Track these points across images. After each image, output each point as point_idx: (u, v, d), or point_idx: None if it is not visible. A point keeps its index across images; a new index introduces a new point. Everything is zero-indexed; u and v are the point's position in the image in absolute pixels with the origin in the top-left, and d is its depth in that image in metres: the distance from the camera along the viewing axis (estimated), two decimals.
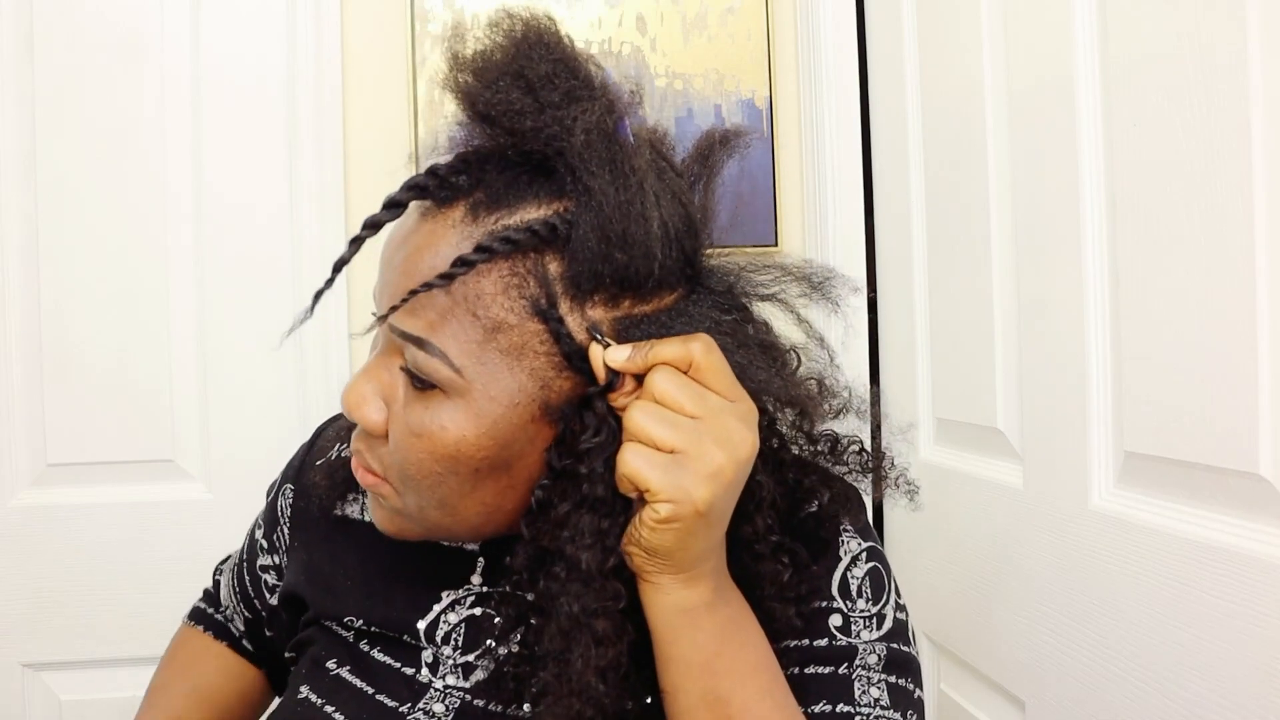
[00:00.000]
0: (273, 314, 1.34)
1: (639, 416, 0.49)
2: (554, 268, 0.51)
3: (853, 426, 0.63)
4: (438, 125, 1.37)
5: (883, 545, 0.66)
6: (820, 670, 0.58)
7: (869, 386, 0.63)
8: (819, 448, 0.62)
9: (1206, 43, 0.70)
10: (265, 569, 0.79)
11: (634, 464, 0.49)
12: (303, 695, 0.64)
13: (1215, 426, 0.71)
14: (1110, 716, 0.83)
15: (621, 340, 0.52)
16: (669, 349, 0.50)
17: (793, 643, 0.58)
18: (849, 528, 0.63)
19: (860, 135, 1.41)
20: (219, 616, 0.85)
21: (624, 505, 0.51)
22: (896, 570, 0.66)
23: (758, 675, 0.53)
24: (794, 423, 0.61)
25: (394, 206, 0.52)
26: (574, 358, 0.51)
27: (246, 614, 0.82)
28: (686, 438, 0.48)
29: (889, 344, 1.38)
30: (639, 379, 0.51)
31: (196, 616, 0.87)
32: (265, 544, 0.79)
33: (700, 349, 0.50)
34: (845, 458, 0.63)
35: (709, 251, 0.57)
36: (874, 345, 1.43)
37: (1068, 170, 0.88)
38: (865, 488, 0.64)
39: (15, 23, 1.29)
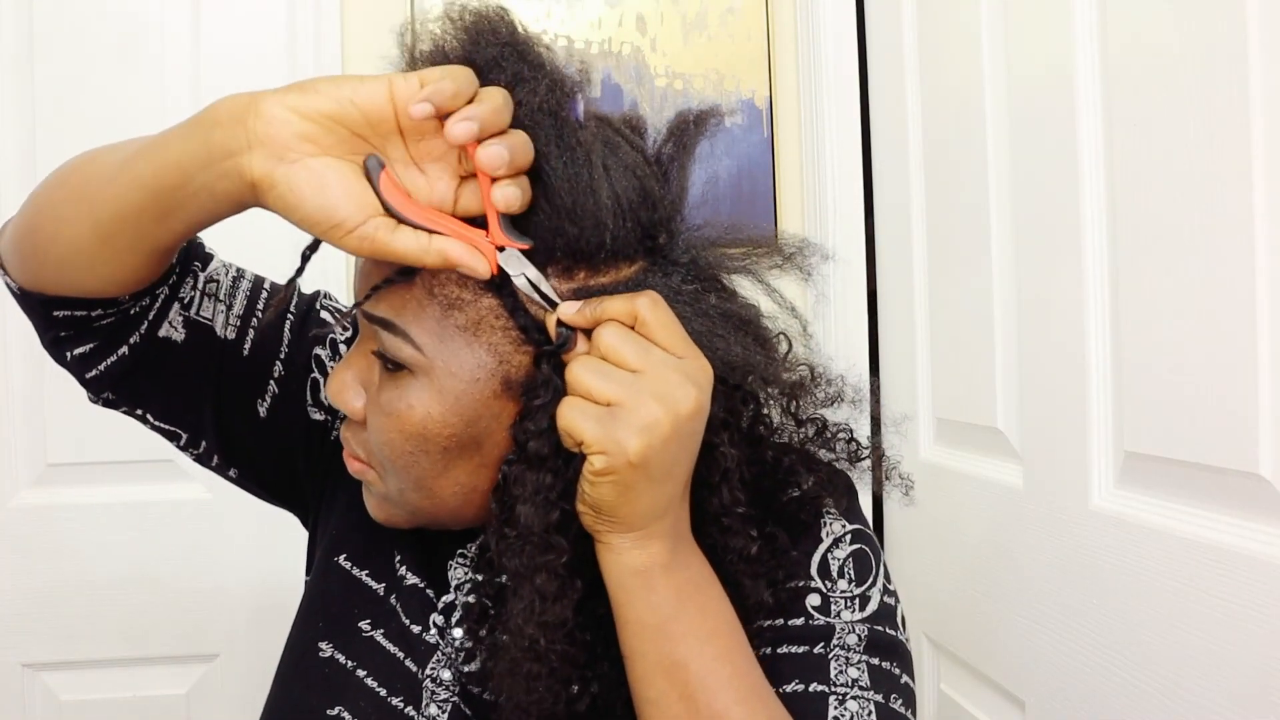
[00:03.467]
0: None
1: (578, 370, 0.50)
2: None
3: (850, 420, 0.63)
4: None
5: (882, 544, 0.65)
6: (794, 650, 0.57)
7: (869, 380, 0.63)
8: (806, 432, 0.62)
9: (1206, 43, 0.70)
10: (320, 364, 0.71)
11: (568, 416, 0.49)
12: (326, 654, 0.64)
13: (1215, 426, 0.71)
14: (1110, 716, 0.83)
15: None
16: (616, 304, 0.51)
17: (767, 622, 0.58)
18: (833, 510, 0.62)
19: (860, 135, 1.41)
20: (205, 253, 0.68)
21: (567, 463, 0.52)
22: (897, 570, 0.66)
23: (716, 640, 0.53)
24: (784, 406, 0.61)
25: None
26: (530, 330, 0.53)
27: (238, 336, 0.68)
28: (623, 390, 0.49)
29: (889, 344, 1.38)
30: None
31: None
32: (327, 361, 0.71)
33: (646, 303, 0.51)
34: (834, 445, 0.63)
35: (685, 229, 0.58)
36: (874, 345, 1.43)
37: (1068, 169, 0.88)
38: (857, 476, 0.64)
39: (15, 23, 1.29)
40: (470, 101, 0.48)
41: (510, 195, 0.49)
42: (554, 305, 0.52)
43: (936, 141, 1.19)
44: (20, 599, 1.30)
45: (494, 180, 0.49)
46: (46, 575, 1.31)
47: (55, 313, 0.60)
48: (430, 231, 0.49)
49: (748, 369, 0.56)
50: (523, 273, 0.51)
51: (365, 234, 0.48)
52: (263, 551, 1.33)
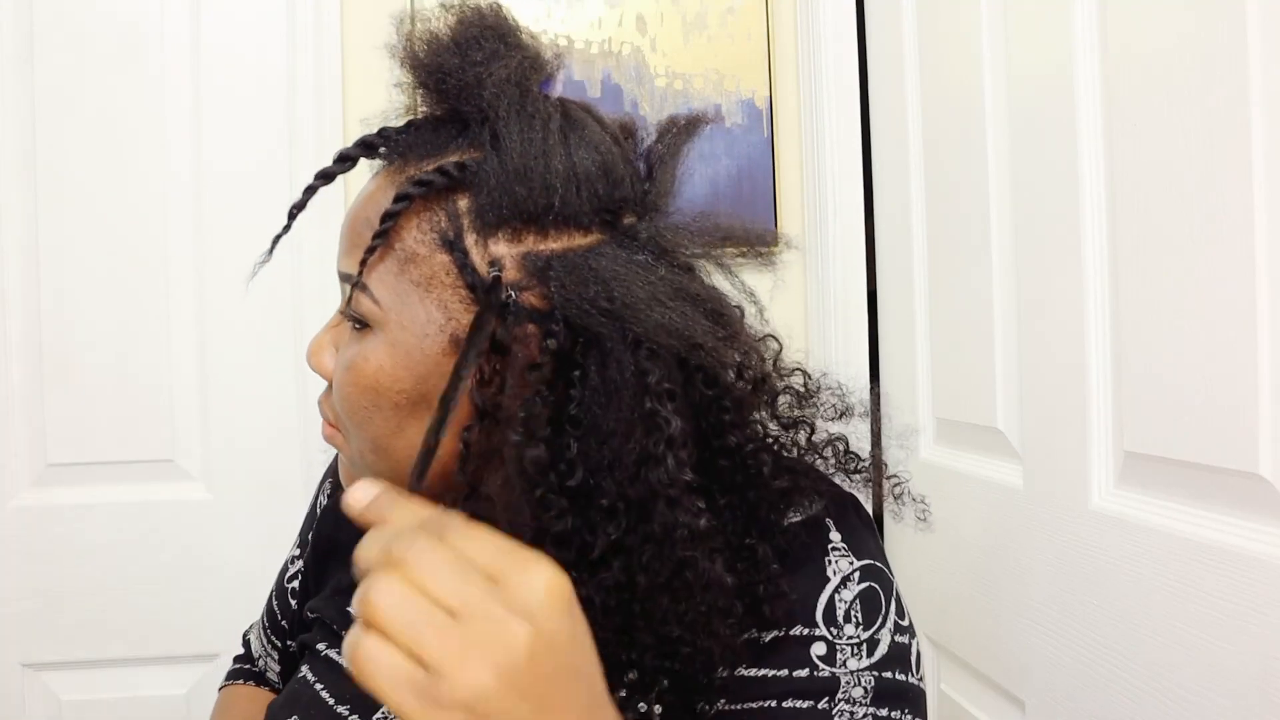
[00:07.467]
0: (273, 313, 1.34)
1: (383, 607, 0.38)
2: (463, 204, 0.54)
3: (851, 431, 0.62)
4: None
5: (882, 547, 0.64)
6: (799, 705, 0.55)
7: (870, 386, 0.62)
8: (792, 435, 0.61)
9: (1206, 43, 0.70)
10: (292, 577, 0.81)
11: (379, 682, 0.37)
12: (301, 674, 0.69)
13: (1215, 426, 0.71)
14: (1110, 716, 0.83)
15: (536, 278, 0.53)
16: (409, 513, 0.43)
17: (772, 673, 0.56)
18: (839, 546, 0.59)
19: (860, 135, 1.41)
20: (254, 668, 0.88)
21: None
22: (897, 570, 0.64)
23: None
24: (763, 401, 0.59)
25: (343, 160, 0.58)
26: (478, 290, 0.54)
27: (278, 645, 0.84)
28: (439, 646, 0.37)
29: (889, 344, 1.38)
30: (539, 318, 0.53)
31: (233, 675, 0.90)
32: (298, 545, 0.82)
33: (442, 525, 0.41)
34: (824, 451, 0.61)
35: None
36: (874, 345, 1.43)
37: (1068, 170, 0.88)
38: (855, 489, 0.62)
39: (15, 23, 1.29)
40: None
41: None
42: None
43: (936, 141, 1.19)
44: (20, 599, 1.30)
45: None
46: (46, 575, 1.31)
47: None
48: None
49: (689, 339, 0.52)
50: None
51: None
52: (263, 551, 1.33)
